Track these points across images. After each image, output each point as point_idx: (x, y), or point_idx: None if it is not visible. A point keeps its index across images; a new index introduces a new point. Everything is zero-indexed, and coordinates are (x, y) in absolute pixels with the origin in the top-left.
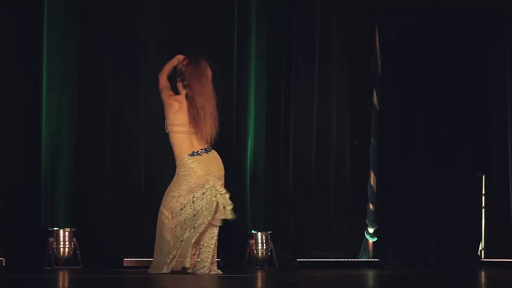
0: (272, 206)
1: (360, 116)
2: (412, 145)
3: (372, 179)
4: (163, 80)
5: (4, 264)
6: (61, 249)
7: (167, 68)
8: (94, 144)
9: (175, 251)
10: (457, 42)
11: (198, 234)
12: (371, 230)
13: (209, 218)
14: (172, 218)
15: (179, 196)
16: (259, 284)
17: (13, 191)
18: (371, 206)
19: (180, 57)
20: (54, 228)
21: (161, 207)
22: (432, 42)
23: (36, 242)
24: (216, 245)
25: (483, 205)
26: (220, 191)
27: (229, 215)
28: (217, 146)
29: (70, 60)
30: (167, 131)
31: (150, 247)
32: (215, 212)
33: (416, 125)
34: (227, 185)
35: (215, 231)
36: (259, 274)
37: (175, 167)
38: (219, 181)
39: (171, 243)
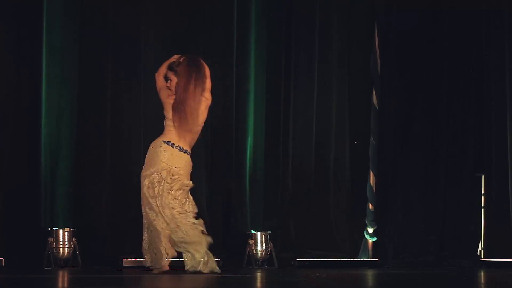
0: (271, 206)
1: (359, 116)
2: (411, 145)
3: (372, 179)
4: (160, 81)
5: (3, 264)
6: (61, 249)
7: (164, 67)
8: (93, 143)
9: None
10: (457, 42)
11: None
12: (370, 230)
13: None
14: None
15: (150, 175)
16: (259, 284)
17: (12, 191)
18: (370, 206)
19: (177, 56)
20: (54, 228)
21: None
22: (432, 41)
23: (35, 242)
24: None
25: (482, 205)
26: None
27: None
28: (217, 145)
29: (69, 59)
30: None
31: None
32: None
33: (416, 125)
34: (227, 185)
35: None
36: (259, 274)
37: None
38: (172, 176)
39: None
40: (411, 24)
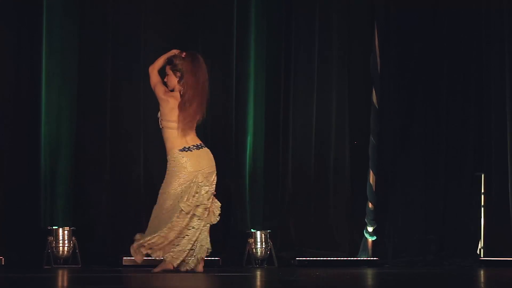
0: (271, 205)
1: (359, 115)
2: (411, 144)
3: (372, 178)
4: (155, 75)
5: (3, 263)
6: (61, 248)
7: (160, 62)
8: (93, 143)
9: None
10: (456, 41)
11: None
12: (370, 229)
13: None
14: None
15: (168, 193)
16: (258, 283)
17: (12, 190)
18: (370, 205)
19: (175, 51)
20: (54, 227)
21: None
22: (432, 41)
23: (35, 241)
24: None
25: (482, 204)
26: (209, 192)
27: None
28: (217, 145)
29: (69, 59)
30: (161, 127)
31: None
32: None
33: (415, 124)
34: (227, 184)
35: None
36: (258, 273)
37: None
38: (209, 178)
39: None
40: (411, 23)
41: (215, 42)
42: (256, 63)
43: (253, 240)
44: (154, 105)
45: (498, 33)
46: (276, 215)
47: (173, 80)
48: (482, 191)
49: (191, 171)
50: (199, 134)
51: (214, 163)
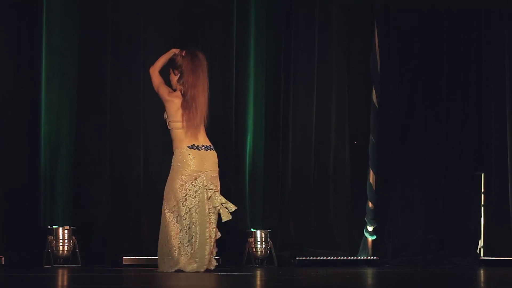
0: (271, 204)
1: (359, 114)
2: (411, 143)
3: (371, 177)
4: (157, 76)
5: (3, 262)
6: (60, 247)
7: (160, 62)
8: (93, 142)
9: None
10: (456, 41)
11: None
12: (370, 228)
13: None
14: (177, 221)
15: (175, 191)
16: (258, 282)
17: (12, 190)
18: (370, 204)
19: (175, 50)
20: (53, 226)
21: (164, 209)
22: (432, 40)
23: (35, 240)
24: (212, 237)
25: (482, 203)
26: (217, 196)
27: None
28: (216, 144)
29: (69, 59)
30: (169, 128)
31: (149, 245)
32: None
33: (415, 124)
34: (226, 183)
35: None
36: (258, 272)
37: None
38: (214, 181)
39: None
40: (411, 23)
41: (215, 42)
42: (256, 63)
43: (253, 239)
44: (154, 105)
45: (498, 33)
46: (276, 215)
47: (173, 79)
48: (482, 190)
49: (194, 169)
50: None
51: (217, 168)
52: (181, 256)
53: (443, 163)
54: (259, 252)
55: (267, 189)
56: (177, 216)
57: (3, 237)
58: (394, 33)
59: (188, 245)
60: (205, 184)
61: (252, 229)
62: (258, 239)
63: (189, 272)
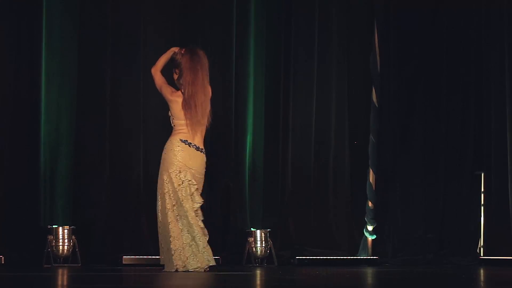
0: (271, 204)
1: (359, 114)
2: (411, 143)
3: (371, 177)
4: (159, 76)
5: (3, 262)
6: (60, 247)
7: (161, 62)
8: (93, 142)
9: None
10: (456, 41)
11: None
12: (370, 228)
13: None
14: (177, 221)
15: (167, 181)
16: (258, 282)
17: (12, 189)
18: (370, 203)
19: (174, 49)
20: (53, 226)
21: (162, 209)
22: (432, 40)
23: (35, 240)
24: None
25: (482, 203)
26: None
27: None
28: (216, 143)
29: (69, 59)
30: (172, 125)
31: (149, 245)
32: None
33: (415, 123)
34: (226, 183)
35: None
36: (258, 272)
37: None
38: (200, 182)
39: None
40: (410, 23)
41: (215, 42)
42: (255, 62)
43: (253, 239)
44: (154, 105)
45: (498, 33)
46: (276, 214)
47: (174, 77)
48: (482, 190)
49: (180, 160)
50: None
51: (204, 171)
52: (189, 254)
53: (443, 163)
54: (259, 252)
55: (267, 189)
56: (177, 216)
57: (3, 237)
58: (394, 33)
59: (193, 244)
60: (189, 179)
61: (252, 229)
62: (258, 238)
63: (196, 270)
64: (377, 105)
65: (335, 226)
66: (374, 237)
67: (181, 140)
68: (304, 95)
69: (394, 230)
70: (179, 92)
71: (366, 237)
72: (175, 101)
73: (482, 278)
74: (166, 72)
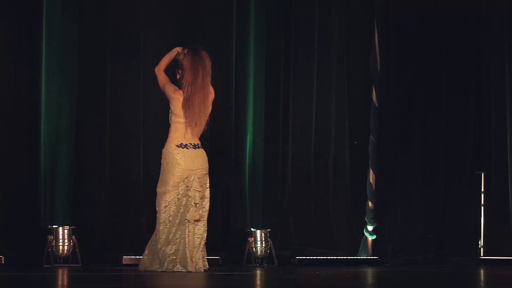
0: (271, 204)
1: (359, 113)
2: (411, 142)
3: (371, 177)
4: (162, 75)
5: (3, 262)
6: (60, 247)
7: (165, 61)
8: (93, 142)
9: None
10: (456, 41)
11: (188, 234)
12: (370, 228)
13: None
14: (169, 222)
15: (164, 193)
16: (258, 282)
17: (12, 189)
18: (370, 203)
19: (178, 49)
20: (53, 226)
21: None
22: (432, 40)
23: (35, 240)
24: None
25: (482, 202)
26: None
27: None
28: (216, 143)
29: (69, 59)
30: (169, 122)
31: None
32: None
33: (415, 123)
34: (226, 183)
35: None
36: (258, 272)
37: None
38: (203, 180)
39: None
40: (410, 23)
41: (215, 42)
42: (255, 62)
43: (253, 239)
44: (154, 105)
45: (498, 33)
46: (276, 214)
47: (177, 77)
48: (482, 190)
49: (184, 168)
50: None
51: (207, 165)
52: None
53: (443, 162)
54: (259, 252)
55: (267, 189)
56: (169, 217)
57: (3, 237)
58: (394, 33)
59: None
60: (194, 186)
61: (252, 229)
62: (258, 238)
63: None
64: (377, 105)
65: (335, 226)
66: (374, 237)
67: (177, 146)
68: (304, 95)
69: (394, 230)
70: (181, 91)
71: (366, 237)
72: (177, 98)
73: (482, 278)
74: (170, 73)
